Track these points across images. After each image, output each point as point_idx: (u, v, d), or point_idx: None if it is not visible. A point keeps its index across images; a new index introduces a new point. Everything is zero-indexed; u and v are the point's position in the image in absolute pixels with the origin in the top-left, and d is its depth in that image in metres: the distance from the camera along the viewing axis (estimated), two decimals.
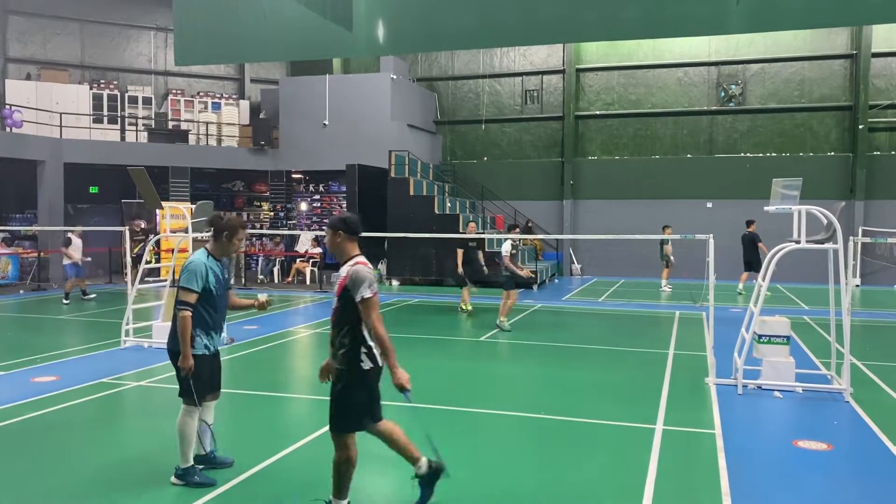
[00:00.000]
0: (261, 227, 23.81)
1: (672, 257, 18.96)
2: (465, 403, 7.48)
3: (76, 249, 15.29)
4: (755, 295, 8.12)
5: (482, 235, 15.97)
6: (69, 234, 15.64)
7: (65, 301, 15.06)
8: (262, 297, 5.60)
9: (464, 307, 14.29)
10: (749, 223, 17.84)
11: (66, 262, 15.39)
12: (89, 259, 15.44)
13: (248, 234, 20.45)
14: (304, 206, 24.26)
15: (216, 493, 4.94)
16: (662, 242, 18.78)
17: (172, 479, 5.07)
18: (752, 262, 17.18)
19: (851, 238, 16.16)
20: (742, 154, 22.50)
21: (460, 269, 14.27)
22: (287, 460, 5.68)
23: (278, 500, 4.93)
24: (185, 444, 5.04)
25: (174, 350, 5.09)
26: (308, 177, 24.05)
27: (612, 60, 23.60)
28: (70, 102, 21.81)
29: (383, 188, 20.29)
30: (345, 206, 21.95)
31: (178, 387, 5.15)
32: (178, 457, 5.10)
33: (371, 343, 4.41)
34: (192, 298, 5.02)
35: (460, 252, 14.23)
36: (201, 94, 24.58)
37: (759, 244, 17.38)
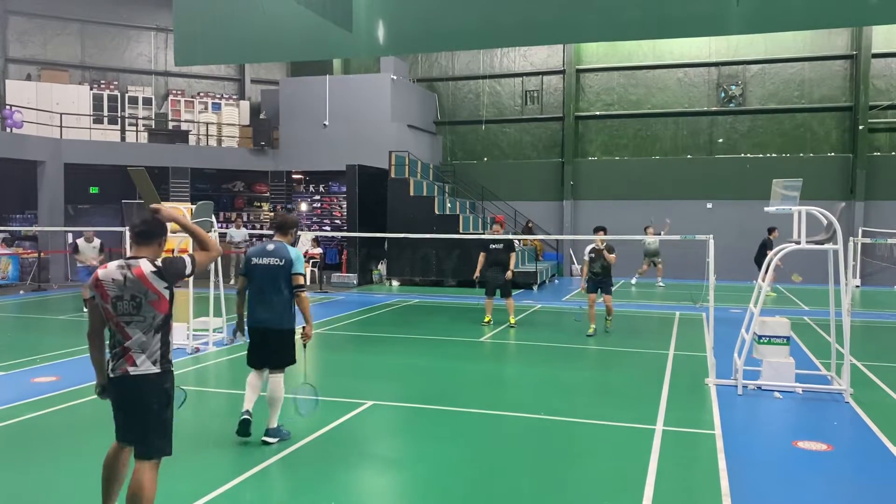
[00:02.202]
0: (261, 228, 23.80)
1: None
2: (464, 404, 7.47)
3: (87, 251, 14.28)
4: (755, 295, 8.12)
5: (509, 237, 13.76)
6: (76, 240, 14.70)
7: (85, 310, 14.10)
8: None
9: (487, 319, 12.68)
10: (770, 230, 17.61)
11: (79, 265, 14.40)
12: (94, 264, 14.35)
13: (248, 234, 20.57)
14: (304, 207, 24.27)
15: (215, 493, 4.94)
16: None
17: (267, 439, 5.95)
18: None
19: (851, 239, 16.16)
20: (742, 154, 22.50)
21: (477, 275, 12.70)
22: (287, 460, 5.68)
23: (279, 499, 4.93)
24: (279, 407, 6.03)
25: (287, 328, 6.01)
26: (308, 177, 24.07)
27: (612, 61, 23.60)
28: (70, 103, 21.81)
29: (383, 189, 20.29)
30: (345, 206, 21.96)
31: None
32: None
33: (112, 349, 4.06)
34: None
35: (482, 256, 12.62)
36: (201, 94, 24.58)
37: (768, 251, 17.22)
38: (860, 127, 21.05)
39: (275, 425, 6.03)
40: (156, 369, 3.95)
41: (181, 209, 12.17)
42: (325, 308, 15.14)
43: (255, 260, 6.01)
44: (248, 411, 5.99)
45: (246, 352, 6.30)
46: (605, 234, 11.72)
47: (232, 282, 19.06)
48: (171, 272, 3.98)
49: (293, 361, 6.13)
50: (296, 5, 6.26)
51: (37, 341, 10.85)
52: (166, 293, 3.97)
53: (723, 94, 22.63)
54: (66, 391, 7.75)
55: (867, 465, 5.77)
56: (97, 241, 14.38)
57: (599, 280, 11.64)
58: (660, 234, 15.99)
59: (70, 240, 20.17)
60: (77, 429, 6.60)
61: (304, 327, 5.96)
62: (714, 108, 22.74)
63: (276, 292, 5.94)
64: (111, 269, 3.96)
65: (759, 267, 17.28)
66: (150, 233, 4.06)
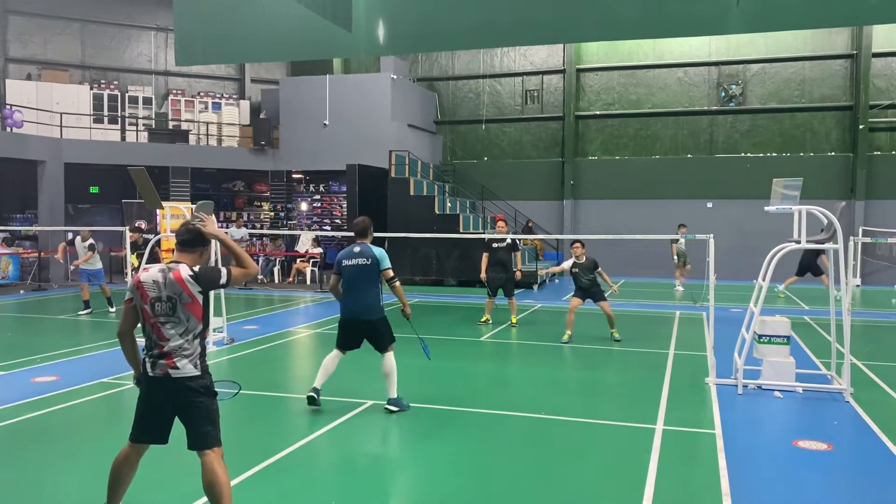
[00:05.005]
0: (261, 228, 23.80)
1: (676, 257, 18.71)
2: (464, 403, 7.48)
3: (79, 248, 14.13)
4: (755, 295, 8.12)
5: (511, 235, 13.66)
6: (75, 237, 14.48)
7: (83, 311, 13.67)
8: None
9: (484, 319, 12.69)
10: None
11: (72, 266, 14.14)
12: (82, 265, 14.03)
13: (248, 233, 20.56)
14: (304, 206, 24.26)
15: None
16: (672, 241, 18.52)
17: (389, 407, 6.87)
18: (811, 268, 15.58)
19: (852, 238, 16.14)
20: (742, 154, 22.50)
21: (483, 275, 12.49)
22: (287, 460, 5.68)
23: (279, 499, 4.93)
24: (395, 379, 6.90)
25: (376, 318, 6.86)
26: (308, 177, 24.06)
27: (612, 60, 23.60)
28: (70, 102, 21.82)
29: (383, 188, 20.29)
30: (345, 206, 21.96)
31: None
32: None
33: (149, 350, 4.21)
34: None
35: (485, 256, 12.49)
36: (202, 94, 24.58)
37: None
38: (860, 126, 21.05)
39: (394, 395, 6.93)
40: (196, 371, 4.15)
41: (182, 209, 12.17)
42: (326, 308, 15.14)
43: (345, 262, 6.88)
44: (315, 388, 6.91)
45: (337, 334, 7.13)
46: (583, 248, 11.11)
47: None
48: (206, 278, 4.18)
49: (393, 340, 6.97)
50: (296, 5, 6.26)
51: (37, 341, 10.85)
52: (200, 298, 4.15)
53: (723, 94, 22.63)
54: (66, 391, 7.75)
55: (867, 464, 5.77)
56: (90, 241, 14.12)
57: (588, 290, 11.12)
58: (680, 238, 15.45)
59: (70, 239, 20.18)
60: (77, 429, 6.60)
61: (402, 309, 7.09)
62: (714, 108, 22.74)
63: (365, 287, 6.81)
64: (153, 272, 4.18)
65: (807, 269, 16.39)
66: (193, 241, 4.29)
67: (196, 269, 4.18)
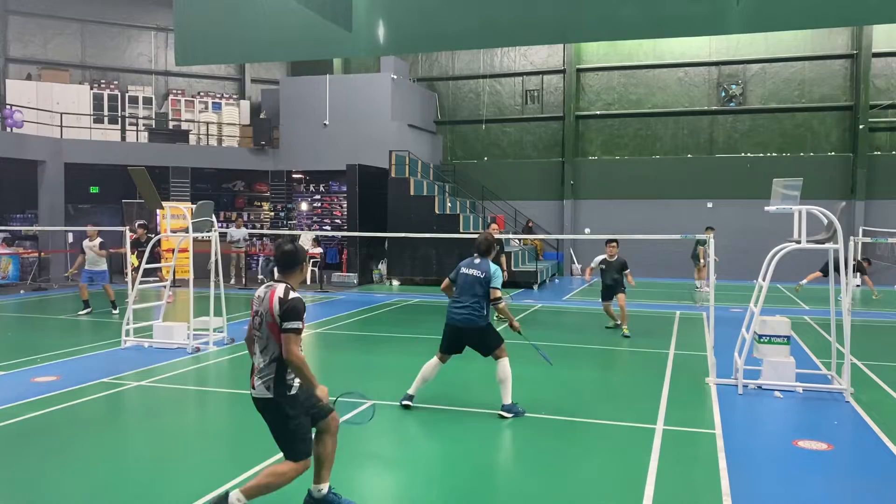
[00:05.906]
0: (261, 228, 23.80)
1: (703, 259, 18.30)
2: (464, 403, 7.48)
3: (88, 251, 14.01)
4: (755, 295, 8.12)
5: (503, 236, 14.13)
6: (83, 243, 14.29)
7: (82, 311, 13.60)
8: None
9: None
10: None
11: (87, 266, 13.98)
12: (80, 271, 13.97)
13: (247, 233, 20.55)
14: (304, 206, 24.27)
15: (215, 493, 4.93)
16: (698, 242, 18.28)
17: (502, 413, 6.86)
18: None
19: (852, 238, 16.09)
20: (742, 154, 22.50)
21: None
22: None
23: (278, 498, 4.92)
24: (509, 386, 6.98)
25: (480, 326, 6.96)
26: (308, 177, 24.08)
27: (612, 60, 23.61)
28: (70, 102, 21.82)
29: (383, 188, 20.29)
30: (345, 205, 21.97)
31: None
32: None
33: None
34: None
35: None
36: (202, 94, 24.58)
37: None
38: (860, 126, 21.05)
39: (508, 402, 6.97)
40: (269, 394, 4.25)
41: (182, 209, 12.15)
42: (326, 308, 15.14)
43: (463, 269, 7.13)
44: (410, 395, 7.17)
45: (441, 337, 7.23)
46: (617, 246, 11.87)
47: (232, 281, 19.11)
48: (287, 307, 4.15)
49: (500, 342, 7.06)
50: (296, 5, 6.26)
51: (37, 341, 10.85)
52: (278, 321, 4.16)
53: (723, 94, 22.63)
54: (66, 391, 7.75)
55: (867, 464, 5.77)
56: (98, 241, 14.06)
57: (611, 288, 11.84)
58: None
59: (70, 239, 20.19)
60: (77, 429, 6.60)
61: (510, 325, 7.21)
62: (714, 108, 22.74)
63: (473, 297, 6.96)
64: (261, 288, 4.39)
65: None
66: (287, 263, 4.36)
67: (291, 295, 4.18)
